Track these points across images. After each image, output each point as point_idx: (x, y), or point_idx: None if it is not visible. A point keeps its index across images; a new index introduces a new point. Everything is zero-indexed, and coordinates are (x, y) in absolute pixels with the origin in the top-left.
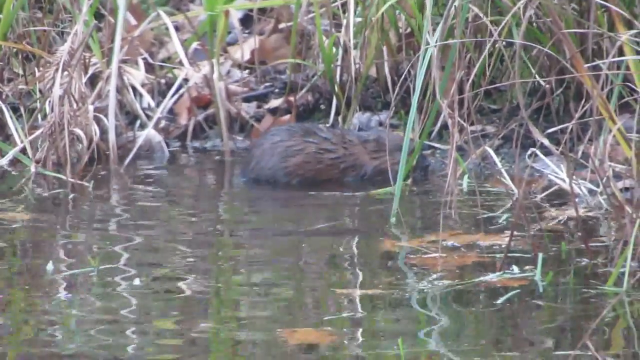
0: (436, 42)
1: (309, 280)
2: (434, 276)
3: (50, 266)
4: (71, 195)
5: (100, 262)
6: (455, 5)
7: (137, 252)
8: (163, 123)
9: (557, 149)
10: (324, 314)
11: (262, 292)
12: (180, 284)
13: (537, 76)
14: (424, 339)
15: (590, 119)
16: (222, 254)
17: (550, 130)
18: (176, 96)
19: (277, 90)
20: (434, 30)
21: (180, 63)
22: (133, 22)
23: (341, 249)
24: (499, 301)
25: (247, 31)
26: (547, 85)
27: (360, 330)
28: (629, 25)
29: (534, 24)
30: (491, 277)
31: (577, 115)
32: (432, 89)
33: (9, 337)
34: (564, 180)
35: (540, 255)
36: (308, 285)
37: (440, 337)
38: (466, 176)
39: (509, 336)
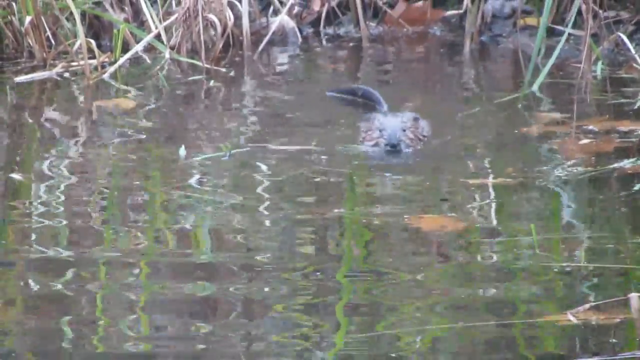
0: None
1: (439, 169)
2: (570, 163)
3: (182, 151)
4: (205, 81)
5: (231, 147)
6: None
7: (272, 134)
8: (296, 9)
9: None
10: (453, 201)
11: (392, 179)
12: (314, 169)
13: None
14: (557, 225)
15: None
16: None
17: None
18: None
19: None
20: None
21: None
22: None
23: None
24: (633, 188)
25: None
26: None
27: (490, 217)
28: None
29: None
30: (624, 163)
31: None
32: None
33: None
34: None
35: None
36: (438, 173)
37: (573, 223)
38: (600, 62)
39: None
